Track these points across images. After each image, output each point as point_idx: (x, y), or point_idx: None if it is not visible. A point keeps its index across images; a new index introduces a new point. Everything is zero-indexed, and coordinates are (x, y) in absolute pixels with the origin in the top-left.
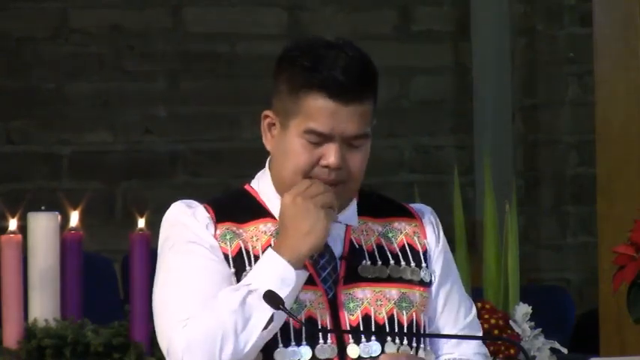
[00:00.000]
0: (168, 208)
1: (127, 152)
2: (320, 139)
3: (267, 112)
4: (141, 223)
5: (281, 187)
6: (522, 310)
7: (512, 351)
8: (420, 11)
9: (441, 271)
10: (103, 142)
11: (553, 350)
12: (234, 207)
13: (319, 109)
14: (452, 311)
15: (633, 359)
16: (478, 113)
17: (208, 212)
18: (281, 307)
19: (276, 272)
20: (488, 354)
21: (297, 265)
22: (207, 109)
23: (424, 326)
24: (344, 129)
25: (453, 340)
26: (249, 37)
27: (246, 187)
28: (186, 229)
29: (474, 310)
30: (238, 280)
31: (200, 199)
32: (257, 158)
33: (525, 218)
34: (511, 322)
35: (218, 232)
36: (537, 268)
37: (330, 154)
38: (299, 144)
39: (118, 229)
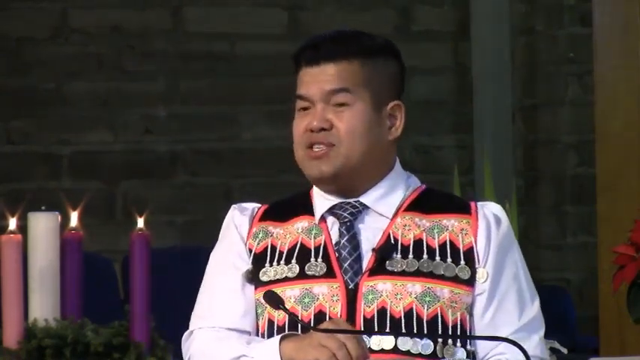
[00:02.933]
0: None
1: (127, 152)
2: (305, 103)
3: None
4: (141, 223)
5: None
6: None
7: None
8: (420, 11)
9: (493, 271)
10: (103, 142)
11: (553, 350)
12: (287, 206)
13: (301, 79)
14: (505, 312)
15: (633, 359)
16: (478, 113)
17: (255, 212)
18: (281, 306)
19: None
20: (547, 355)
21: None
22: (207, 109)
23: (457, 323)
24: (319, 87)
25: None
26: (249, 37)
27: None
28: (227, 235)
29: (534, 311)
30: (256, 275)
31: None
32: (257, 158)
33: (525, 218)
34: None
35: (254, 229)
36: (537, 268)
37: (312, 118)
38: (296, 119)
39: (118, 229)
